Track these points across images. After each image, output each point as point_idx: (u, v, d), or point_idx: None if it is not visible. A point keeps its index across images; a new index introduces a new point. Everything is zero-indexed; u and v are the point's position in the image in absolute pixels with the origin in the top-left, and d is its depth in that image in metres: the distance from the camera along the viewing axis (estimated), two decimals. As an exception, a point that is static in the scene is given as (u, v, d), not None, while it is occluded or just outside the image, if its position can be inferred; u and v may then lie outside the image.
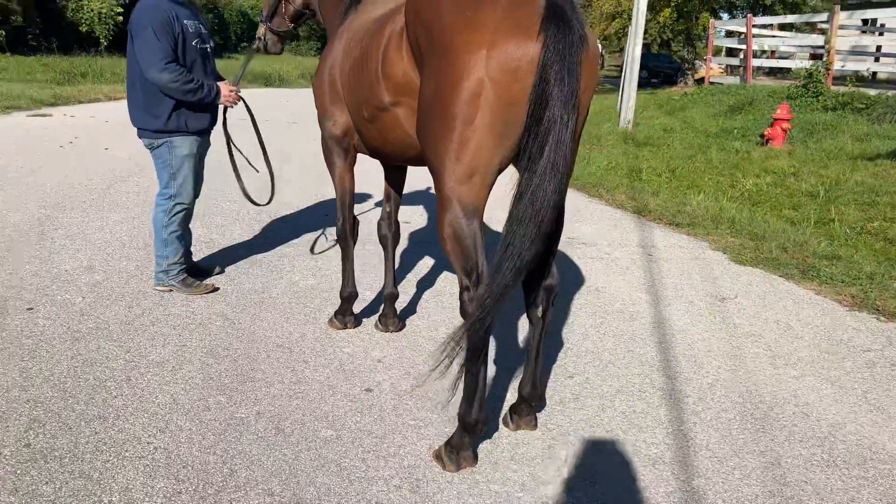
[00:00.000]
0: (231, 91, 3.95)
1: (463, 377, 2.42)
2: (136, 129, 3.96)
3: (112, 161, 7.79)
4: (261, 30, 3.96)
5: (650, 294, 4.54)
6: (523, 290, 2.62)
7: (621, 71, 45.28)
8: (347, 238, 3.56)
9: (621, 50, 77.07)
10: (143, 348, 3.31)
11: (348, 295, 3.64)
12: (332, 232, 5.30)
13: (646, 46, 47.38)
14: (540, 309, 2.65)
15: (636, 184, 8.53)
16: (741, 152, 10.44)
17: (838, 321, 4.15)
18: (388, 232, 3.62)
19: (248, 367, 3.20)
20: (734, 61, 18.97)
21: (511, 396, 3.00)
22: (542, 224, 2.14)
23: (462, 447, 2.48)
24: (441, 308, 4.08)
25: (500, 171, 2.29)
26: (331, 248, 4.98)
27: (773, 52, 18.44)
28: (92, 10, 26.37)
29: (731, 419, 2.97)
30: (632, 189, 8.04)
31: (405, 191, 3.93)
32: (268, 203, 4.49)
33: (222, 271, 4.44)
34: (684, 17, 23.04)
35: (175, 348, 3.33)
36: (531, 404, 2.76)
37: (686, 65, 24.83)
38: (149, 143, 3.95)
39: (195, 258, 4.53)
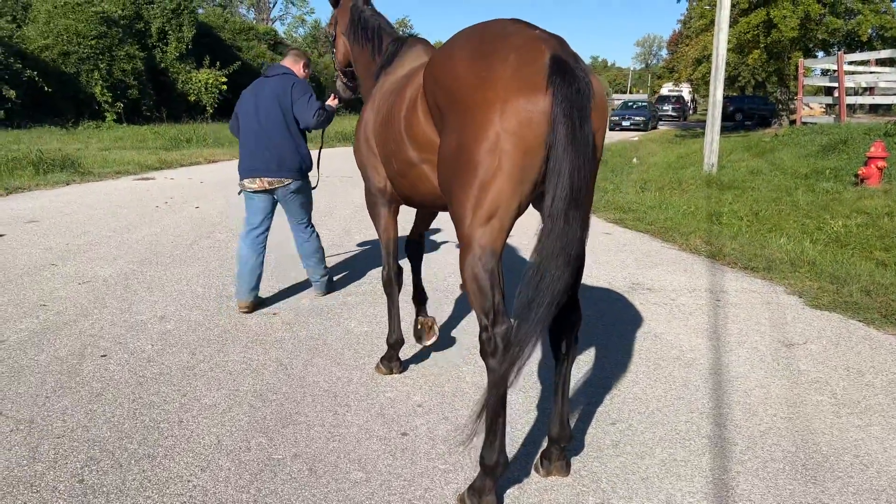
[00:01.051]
0: (334, 100, 4.92)
1: (483, 418, 2.42)
2: (283, 175, 4.78)
3: (200, 218, 8.32)
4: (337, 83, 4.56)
5: (711, 340, 4.38)
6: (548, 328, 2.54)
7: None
8: (392, 285, 3.72)
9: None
10: (198, 392, 3.49)
11: (394, 341, 3.76)
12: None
13: (741, 89, 46.27)
14: (564, 344, 2.68)
15: (714, 228, 8.30)
16: (831, 193, 9.96)
17: (916, 368, 3.87)
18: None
19: (293, 409, 3.32)
20: (828, 100, 18.23)
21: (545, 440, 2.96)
22: (570, 259, 2.25)
23: (484, 491, 2.48)
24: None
25: (518, 215, 2.39)
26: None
27: (871, 88, 17.60)
28: (199, 81, 28.48)
29: (779, 469, 2.82)
30: (709, 233, 7.81)
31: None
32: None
33: (276, 313, 4.64)
34: (774, 57, 22.40)
35: (227, 392, 3.50)
36: (561, 446, 2.73)
37: (781, 106, 24.02)
38: (296, 187, 4.87)
39: (257, 310, 4.81)
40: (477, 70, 2.32)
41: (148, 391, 3.50)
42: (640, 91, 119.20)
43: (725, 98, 47.34)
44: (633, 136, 28.27)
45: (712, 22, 24.06)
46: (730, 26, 22.81)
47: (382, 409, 3.34)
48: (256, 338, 4.30)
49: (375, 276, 5.87)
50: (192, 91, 28.54)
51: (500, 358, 2.33)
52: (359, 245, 7.15)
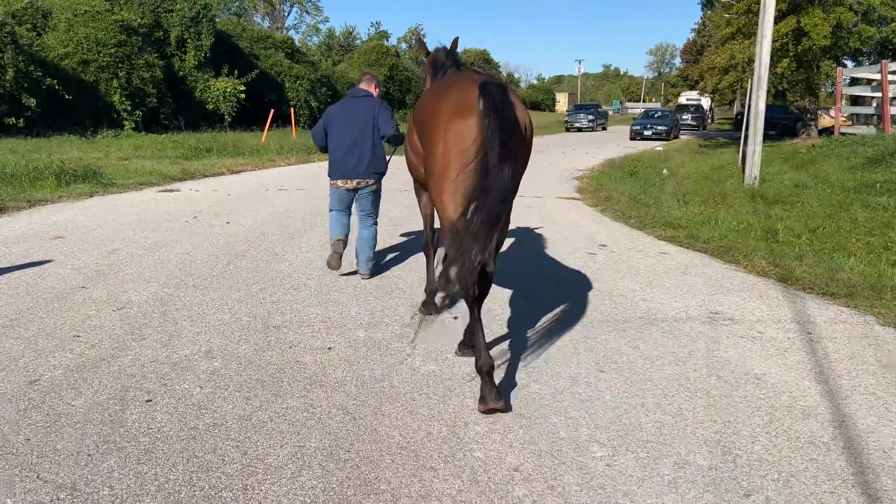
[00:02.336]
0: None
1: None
2: (368, 175, 5.98)
3: (232, 235, 7.91)
4: None
5: (821, 384, 3.90)
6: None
7: (737, 124, 43.74)
8: (429, 247, 5.07)
9: (731, 103, 75.09)
10: (260, 449, 3.05)
11: (431, 291, 5.05)
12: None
13: (759, 98, 45.67)
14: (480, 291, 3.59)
15: (773, 246, 7.81)
16: (890, 209, 9.44)
17: None
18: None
19: (372, 474, 2.86)
20: (865, 110, 17.68)
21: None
22: (494, 223, 3.23)
23: (485, 391, 3.45)
24: (578, 400, 3.63)
25: (472, 189, 3.28)
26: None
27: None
28: (218, 90, 28.20)
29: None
30: (770, 253, 7.33)
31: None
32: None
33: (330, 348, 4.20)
34: (804, 66, 21.85)
35: (293, 450, 3.05)
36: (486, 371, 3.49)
37: (808, 115, 23.47)
38: (375, 186, 6.10)
39: (310, 344, 4.38)
40: (433, 106, 3.72)
41: (203, 447, 3.06)
42: (653, 100, 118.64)
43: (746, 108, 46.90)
44: (657, 145, 27.74)
45: (739, 30, 23.63)
46: (759, 35, 22.40)
47: (475, 474, 2.89)
48: (315, 378, 3.86)
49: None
50: (210, 100, 28.27)
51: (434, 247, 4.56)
52: (401, 263, 6.71)
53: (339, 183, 6.01)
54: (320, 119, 6.17)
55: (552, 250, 7.37)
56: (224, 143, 20.79)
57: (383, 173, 6.08)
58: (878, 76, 16.02)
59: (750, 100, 16.76)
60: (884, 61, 15.07)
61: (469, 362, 3.86)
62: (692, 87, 79.87)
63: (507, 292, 5.63)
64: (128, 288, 5.63)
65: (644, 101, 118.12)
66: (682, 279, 6.27)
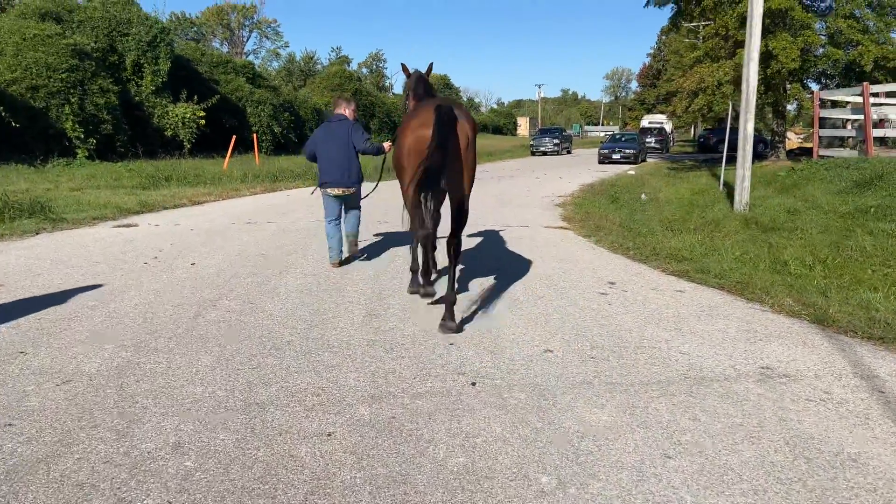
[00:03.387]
0: (388, 145, 7.48)
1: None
2: (350, 184, 7.58)
3: (199, 279, 7.01)
4: None
5: (932, 466, 3.21)
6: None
7: (700, 147, 43.97)
8: (414, 237, 6.08)
9: (688, 125, 76.20)
10: None
11: (413, 269, 6.53)
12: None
13: (719, 120, 46.17)
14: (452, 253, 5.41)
15: (787, 279, 7.24)
16: (894, 236, 8.99)
17: None
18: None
19: None
20: (845, 132, 17.53)
21: None
22: (442, 199, 5.46)
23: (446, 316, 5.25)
24: (654, 504, 2.87)
25: (424, 179, 4.92)
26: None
27: (881, 120, 16.92)
28: (176, 116, 27.09)
29: None
30: (790, 288, 6.73)
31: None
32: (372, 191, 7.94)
33: (331, 434, 3.37)
34: (772, 88, 21.80)
35: None
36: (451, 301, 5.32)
37: (777, 137, 23.43)
38: (356, 190, 7.68)
39: (304, 428, 3.52)
40: (405, 121, 5.56)
41: None
42: (611, 123, 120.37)
43: (708, 130, 47.33)
44: (627, 169, 27.46)
45: (706, 54, 23.58)
46: (728, 58, 22.35)
47: None
48: (317, 482, 3.02)
49: (439, 365, 4.62)
50: (168, 126, 27.12)
51: (421, 237, 5.38)
52: (393, 312, 5.90)
53: (330, 191, 7.60)
54: (309, 140, 7.73)
55: (559, 290, 6.65)
56: (184, 170, 19.75)
57: (360, 180, 7.73)
58: (852, 98, 15.86)
59: (728, 122, 16.48)
60: (865, 84, 14.88)
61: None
62: (649, 111, 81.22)
63: (531, 349, 4.87)
64: (77, 352, 4.71)
65: (603, 125, 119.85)
66: (711, 324, 5.59)
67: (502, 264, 7.90)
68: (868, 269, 7.59)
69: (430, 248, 6.05)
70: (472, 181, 5.38)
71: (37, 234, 9.86)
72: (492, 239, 9.75)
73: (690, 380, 4.32)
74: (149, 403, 3.84)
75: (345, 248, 7.90)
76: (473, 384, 4.16)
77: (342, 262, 7.71)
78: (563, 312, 5.85)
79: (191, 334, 5.14)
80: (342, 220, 7.85)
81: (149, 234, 9.95)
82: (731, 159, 21.39)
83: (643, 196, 16.08)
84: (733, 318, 5.77)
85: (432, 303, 5.71)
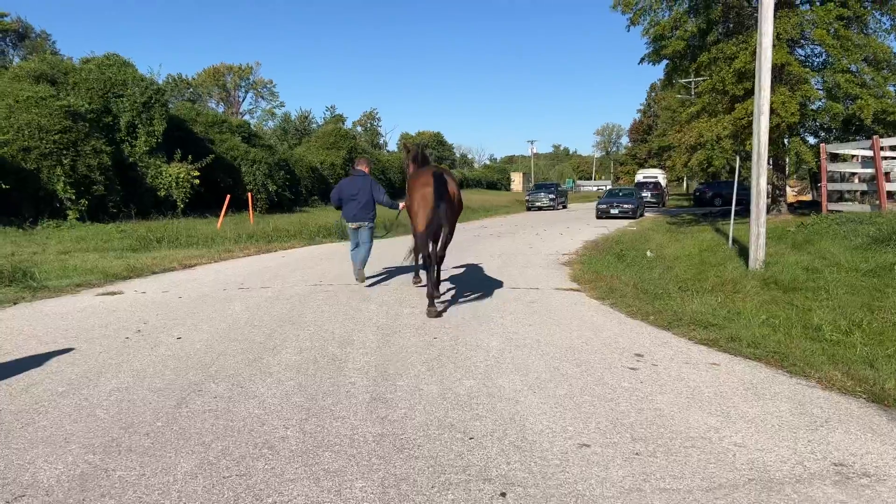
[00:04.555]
0: (402, 205, 10.18)
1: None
2: (366, 219, 10.56)
3: (184, 357, 6.34)
4: None
5: None
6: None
7: (697, 201, 43.80)
8: (417, 252, 10.26)
9: (679, 179, 76.35)
10: None
11: (415, 271, 10.73)
12: None
13: (713, 175, 46.20)
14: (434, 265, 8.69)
15: (824, 347, 6.65)
16: (929, 296, 8.43)
17: None
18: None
19: None
20: (855, 186, 17.18)
21: None
22: (436, 232, 8.54)
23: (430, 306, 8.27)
24: None
25: (431, 223, 8.42)
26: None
27: (886, 174, 16.61)
28: (170, 176, 26.68)
29: None
30: (833, 359, 6.13)
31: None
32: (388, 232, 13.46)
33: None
34: (772, 143, 21.56)
35: None
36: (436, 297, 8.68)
37: (778, 191, 23.12)
38: (370, 226, 10.65)
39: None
40: (412, 180, 9.10)
41: None
42: (603, 177, 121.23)
43: (704, 185, 47.35)
44: (625, 224, 27.08)
45: (703, 109, 23.47)
46: (726, 113, 22.21)
47: None
48: None
49: (456, 474, 3.95)
50: (162, 185, 26.67)
51: (424, 256, 8.69)
52: (392, 398, 5.24)
53: (350, 225, 10.60)
54: (335, 189, 10.79)
55: (584, 366, 6.01)
56: (177, 231, 19.20)
57: (374, 219, 10.72)
58: (861, 152, 15.55)
59: (737, 176, 16.11)
60: (875, 137, 14.57)
61: None
62: (641, 165, 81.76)
63: (564, 443, 4.20)
64: (36, 454, 4.02)
65: (595, 179, 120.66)
66: (760, 406, 4.94)
67: (518, 334, 7.27)
68: (909, 333, 7.00)
69: (430, 265, 8.94)
70: (457, 218, 9.06)
71: (15, 303, 9.20)
72: (503, 304, 9.15)
73: (757, 483, 3.66)
74: (113, 530, 3.15)
75: (357, 270, 10.64)
76: (503, 495, 3.49)
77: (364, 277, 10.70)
78: (593, 393, 5.20)
79: (171, 429, 4.45)
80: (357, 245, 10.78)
81: (134, 304, 9.29)
82: (729, 213, 21.20)
83: (649, 253, 15.57)
84: (782, 398, 5.13)
85: (418, 286, 10.37)
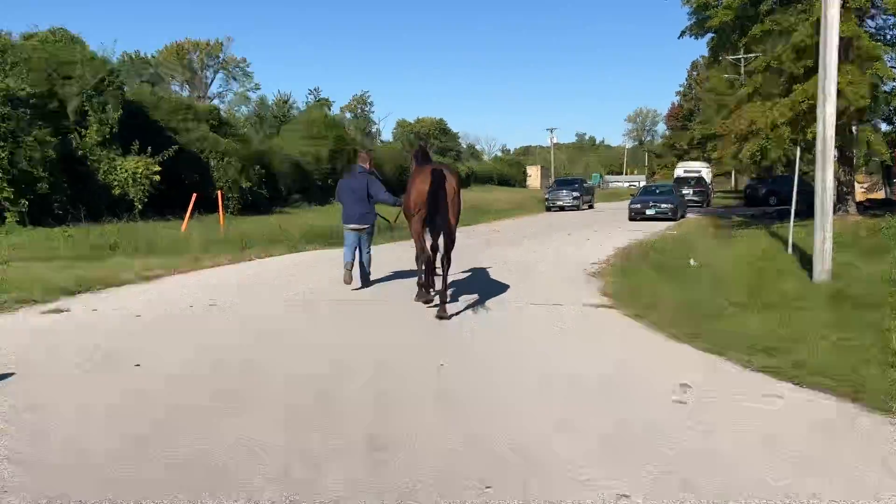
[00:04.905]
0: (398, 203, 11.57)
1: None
2: (364, 224, 11.51)
3: (142, 393, 6.23)
4: None
5: None
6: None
7: (748, 199, 43.64)
8: (419, 260, 10.57)
9: (726, 173, 76.59)
10: None
11: (420, 283, 10.72)
12: None
13: (766, 170, 46.07)
14: (440, 260, 9.88)
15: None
16: None
17: None
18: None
19: None
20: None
21: None
22: (439, 231, 9.75)
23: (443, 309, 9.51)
24: None
25: (427, 217, 9.76)
26: None
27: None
28: (126, 171, 26.69)
29: None
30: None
31: None
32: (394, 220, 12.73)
33: None
34: (838, 132, 21.48)
35: None
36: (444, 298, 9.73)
37: (845, 188, 23.04)
38: (370, 230, 11.74)
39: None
40: (413, 176, 10.37)
41: None
42: (636, 171, 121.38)
43: (756, 180, 47.23)
44: (664, 227, 27.00)
45: (756, 90, 23.42)
46: (783, 96, 22.13)
47: None
48: None
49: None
50: (116, 183, 26.69)
51: (423, 257, 10.30)
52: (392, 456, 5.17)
53: (350, 227, 11.38)
54: (338, 186, 12.17)
55: (625, 399, 5.93)
56: (134, 236, 19.20)
57: (374, 222, 11.76)
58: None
59: (796, 170, 16.01)
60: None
61: None
62: (681, 157, 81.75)
63: (608, 497, 4.10)
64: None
65: (626, 174, 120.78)
66: (845, 455, 4.81)
67: (540, 361, 7.20)
68: None
69: (430, 269, 10.27)
70: (458, 218, 10.12)
71: (-59, 326, 9.15)
72: (521, 323, 9.10)
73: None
74: None
75: (357, 274, 11.74)
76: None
77: (362, 286, 11.83)
78: (637, 434, 5.11)
79: (126, 492, 4.33)
80: (358, 250, 11.59)
81: (83, 324, 9.22)
82: (786, 214, 21.20)
83: (692, 262, 15.49)
84: (871, 444, 5.00)
85: (430, 306, 10.23)
